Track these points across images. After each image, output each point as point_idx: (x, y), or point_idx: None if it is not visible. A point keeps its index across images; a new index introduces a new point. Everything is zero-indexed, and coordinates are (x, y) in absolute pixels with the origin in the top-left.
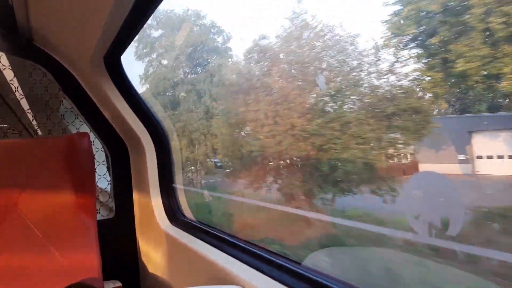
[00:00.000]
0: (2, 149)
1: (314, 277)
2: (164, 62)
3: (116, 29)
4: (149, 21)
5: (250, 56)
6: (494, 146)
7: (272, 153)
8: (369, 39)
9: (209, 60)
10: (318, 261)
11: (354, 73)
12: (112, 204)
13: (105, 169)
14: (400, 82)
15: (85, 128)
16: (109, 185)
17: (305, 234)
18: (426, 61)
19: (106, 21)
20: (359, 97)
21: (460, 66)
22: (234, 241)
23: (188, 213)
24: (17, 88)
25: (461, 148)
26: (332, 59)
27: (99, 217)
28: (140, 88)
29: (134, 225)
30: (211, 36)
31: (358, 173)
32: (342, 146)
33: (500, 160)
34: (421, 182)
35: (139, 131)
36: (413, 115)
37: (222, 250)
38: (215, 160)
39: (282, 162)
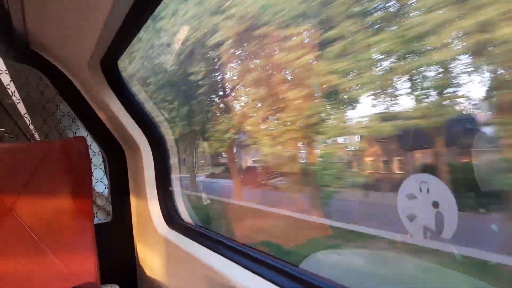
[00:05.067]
0: None
1: (311, 280)
2: None
3: (113, 33)
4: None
5: None
6: None
7: None
8: None
9: None
10: (315, 263)
11: None
12: (109, 207)
13: (102, 173)
14: None
15: (82, 132)
16: (106, 189)
17: None
18: None
19: (103, 25)
20: None
21: None
22: (232, 244)
23: (185, 216)
24: (14, 92)
25: None
26: None
27: (96, 221)
28: None
29: (132, 228)
30: None
31: None
32: None
33: None
34: None
35: (136, 135)
36: None
37: (219, 253)
38: None
39: None
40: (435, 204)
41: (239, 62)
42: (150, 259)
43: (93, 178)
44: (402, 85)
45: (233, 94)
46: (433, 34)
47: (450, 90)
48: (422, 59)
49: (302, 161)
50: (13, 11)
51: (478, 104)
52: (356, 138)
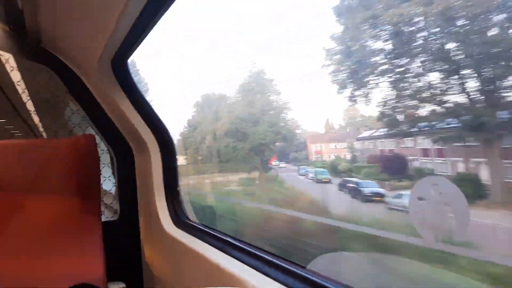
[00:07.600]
0: (8, 150)
1: (318, 280)
2: None
3: (125, 33)
4: None
5: None
6: None
7: None
8: None
9: None
10: (323, 265)
11: None
12: (116, 206)
13: (110, 171)
14: None
15: (90, 130)
16: (114, 187)
17: None
18: None
19: (115, 24)
20: None
21: None
22: (239, 243)
23: (192, 215)
24: (24, 89)
25: None
26: None
27: (103, 218)
28: None
29: (139, 227)
30: None
31: None
32: None
33: None
34: None
35: (145, 134)
36: None
37: (226, 253)
38: None
39: None
40: None
41: None
42: (157, 257)
43: (101, 176)
44: None
45: None
46: None
47: None
48: None
49: None
50: (26, 10)
51: None
52: None
